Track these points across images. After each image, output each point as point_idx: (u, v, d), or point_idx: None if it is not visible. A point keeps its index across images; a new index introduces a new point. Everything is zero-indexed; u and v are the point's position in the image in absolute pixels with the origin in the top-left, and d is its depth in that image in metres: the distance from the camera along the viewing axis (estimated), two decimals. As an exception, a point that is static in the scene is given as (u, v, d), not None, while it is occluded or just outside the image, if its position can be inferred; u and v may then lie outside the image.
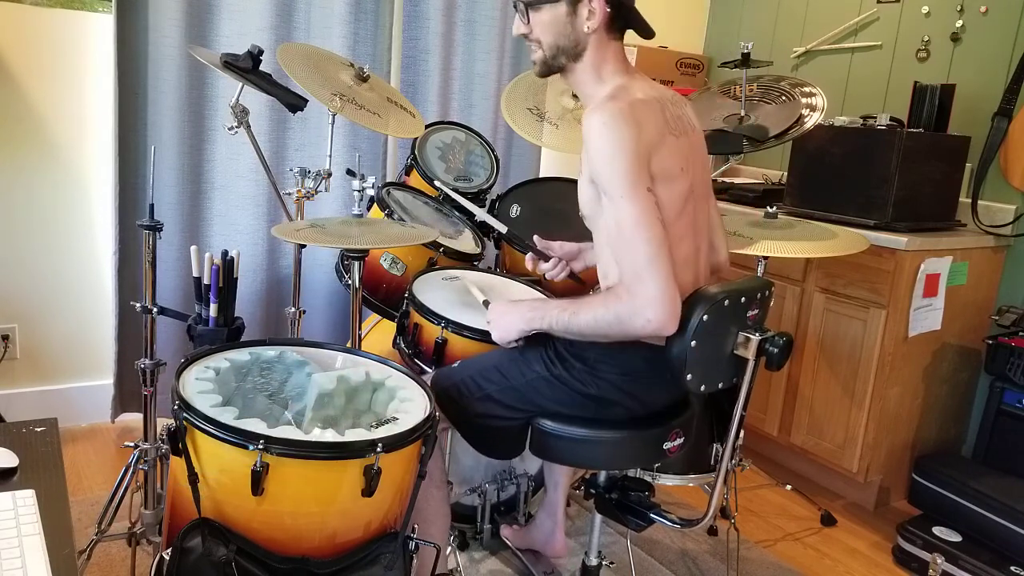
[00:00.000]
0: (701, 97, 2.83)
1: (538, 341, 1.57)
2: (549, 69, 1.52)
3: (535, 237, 1.80)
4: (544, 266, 1.78)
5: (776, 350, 1.42)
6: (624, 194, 1.34)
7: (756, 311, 1.49)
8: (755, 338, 1.44)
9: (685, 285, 1.42)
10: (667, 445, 1.57)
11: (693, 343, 1.37)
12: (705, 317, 1.36)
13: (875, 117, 2.58)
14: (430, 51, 2.90)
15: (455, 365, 1.65)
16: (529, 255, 1.80)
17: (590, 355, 1.49)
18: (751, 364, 1.46)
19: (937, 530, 2.27)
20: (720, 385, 1.48)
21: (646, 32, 1.53)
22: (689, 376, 1.40)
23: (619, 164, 1.34)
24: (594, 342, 1.47)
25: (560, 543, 2.05)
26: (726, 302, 1.40)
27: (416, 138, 2.48)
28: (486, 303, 1.78)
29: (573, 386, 1.51)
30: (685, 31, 3.67)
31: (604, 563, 1.84)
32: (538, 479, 2.23)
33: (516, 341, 1.55)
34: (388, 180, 2.88)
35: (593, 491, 1.71)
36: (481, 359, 1.63)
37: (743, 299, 1.44)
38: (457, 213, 2.42)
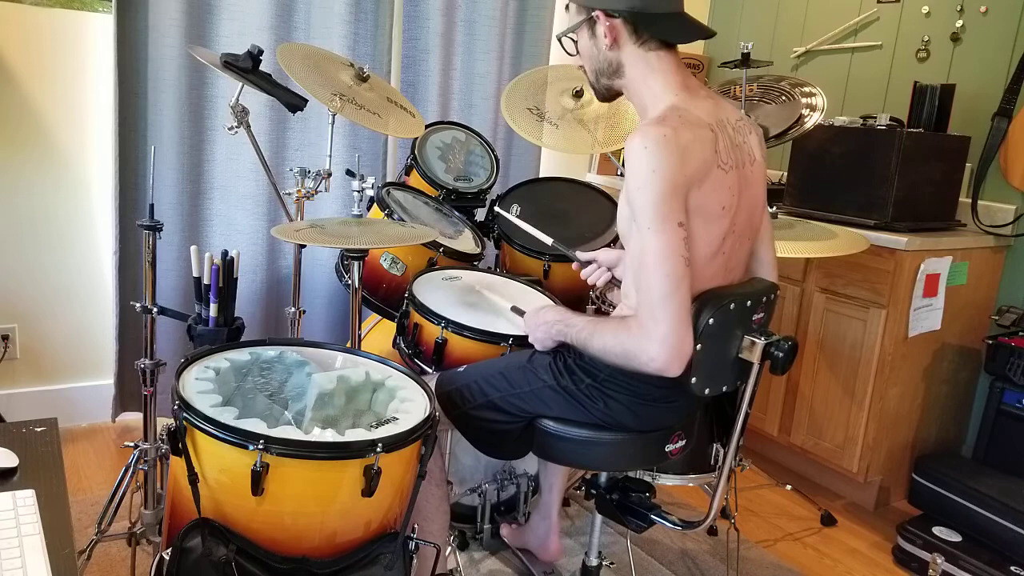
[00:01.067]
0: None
1: (547, 350, 1.57)
2: (598, 93, 1.53)
3: (577, 252, 1.84)
4: (585, 271, 1.79)
5: (781, 354, 1.42)
6: (652, 225, 1.28)
7: (761, 315, 1.48)
8: (760, 342, 1.43)
9: None
10: (669, 447, 1.57)
11: (698, 346, 1.36)
12: (711, 320, 1.36)
13: (875, 117, 2.58)
14: (430, 51, 2.90)
15: (460, 369, 1.65)
16: (575, 264, 1.83)
17: (600, 373, 1.48)
18: (756, 368, 1.46)
19: (937, 530, 2.27)
20: (724, 388, 1.48)
21: (688, 37, 1.46)
22: (694, 379, 1.39)
23: (652, 193, 1.28)
24: (605, 363, 1.46)
25: (555, 547, 2.04)
26: (732, 305, 1.39)
27: (416, 138, 2.48)
28: (515, 309, 1.80)
29: (580, 399, 1.50)
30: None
31: (604, 563, 1.84)
32: (538, 479, 2.23)
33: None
34: (388, 180, 2.88)
35: (594, 491, 1.71)
36: (487, 364, 1.62)
37: (749, 303, 1.43)
38: (457, 213, 2.42)
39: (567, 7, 1.50)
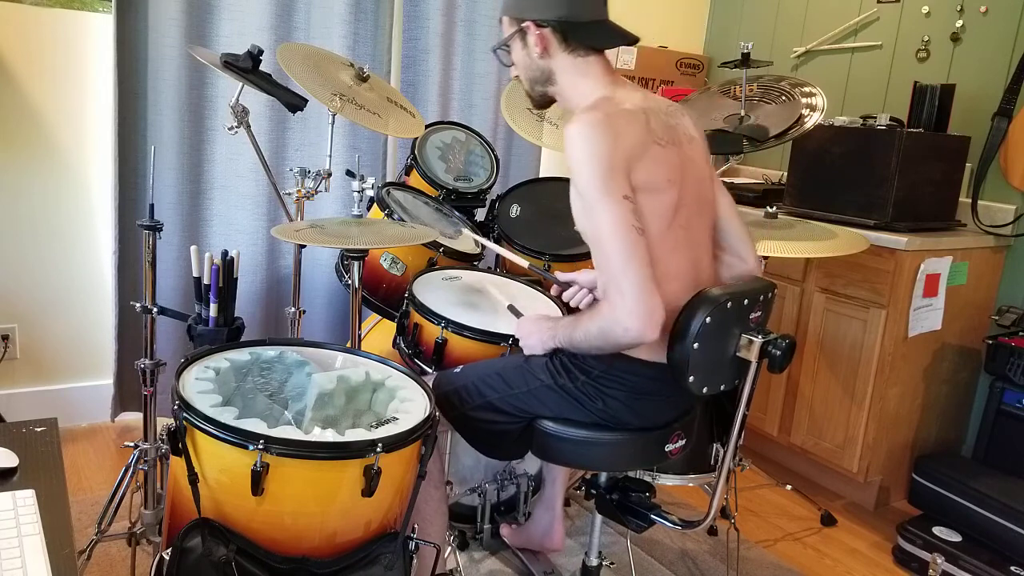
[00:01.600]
0: (701, 97, 2.83)
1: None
2: (533, 100, 1.60)
3: (556, 273, 1.87)
4: (567, 294, 1.82)
5: (779, 352, 1.42)
6: (598, 202, 1.34)
7: (759, 313, 1.49)
8: (758, 340, 1.43)
9: (680, 297, 1.42)
10: (669, 447, 1.57)
11: (696, 345, 1.36)
12: (708, 319, 1.36)
13: (875, 117, 2.58)
14: (430, 51, 2.90)
15: (457, 370, 1.65)
16: (554, 286, 1.86)
17: (595, 370, 1.49)
18: (753, 366, 1.46)
19: (937, 530, 2.27)
20: (722, 387, 1.48)
21: (615, 43, 1.53)
22: (691, 378, 1.40)
23: (593, 171, 1.34)
24: (599, 357, 1.47)
25: (558, 536, 2.05)
26: (729, 304, 1.40)
27: (416, 138, 2.48)
28: (512, 308, 1.80)
29: (577, 397, 1.51)
30: (685, 31, 3.67)
31: (604, 563, 1.84)
32: (538, 479, 2.23)
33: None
34: (388, 180, 2.88)
35: (594, 492, 1.71)
36: (484, 365, 1.63)
37: (746, 301, 1.44)
38: (457, 213, 2.42)
39: (500, 20, 1.55)
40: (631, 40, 1.52)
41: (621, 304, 1.32)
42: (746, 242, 1.63)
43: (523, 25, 1.48)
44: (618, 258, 1.32)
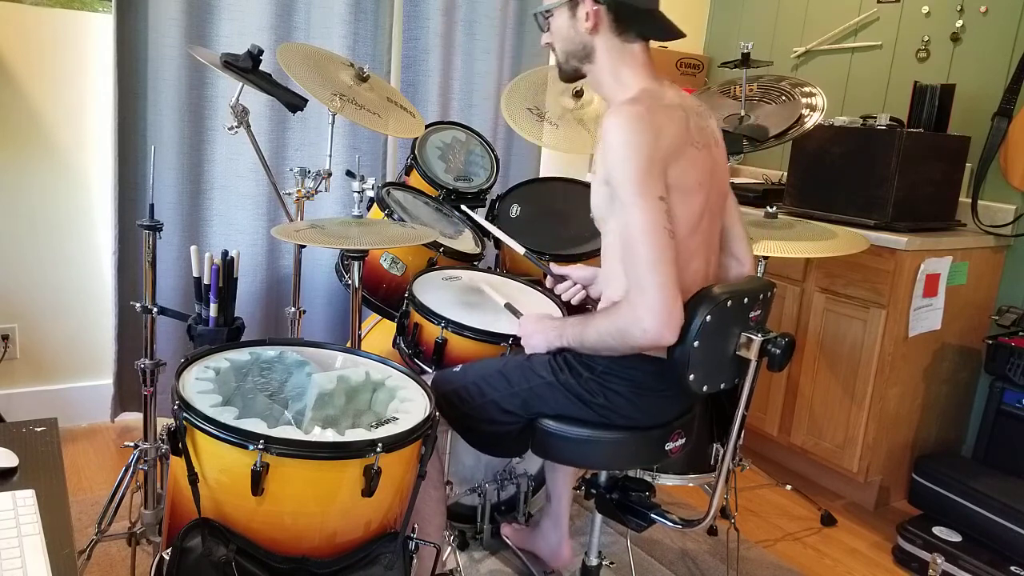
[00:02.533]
0: (701, 97, 2.83)
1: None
2: (564, 73, 1.56)
3: (551, 264, 1.86)
4: (559, 288, 1.82)
5: (778, 351, 1.42)
6: (634, 200, 1.32)
7: (758, 312, 1.49)
8: (757, 339, 1.43)
9: None
10: (669, 446, 1.57)
11: (696, 343, 1.37)
12: (708, 318, 1.36)
13: (875, 117, 2.58)
14: (430, 51, 2.90)
15: (456, 369, 1.65)
16: (548, 277, 1.85)
17: (598, 366, 1.49)
18: (753, 365, 1.46)
19: (937, 530, 2.27)
20: (722, 386, 1.48)
21: (663, 35, 1.50)
22: (691, 376, 1.40)
23: (632, 168, 1.32)
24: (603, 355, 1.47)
25: (567, 554, 2.03)
26: (729, 303, 1.40)
27: (416, 138, 2.48)
28: (509, 307, 1.79)
29: (579, 394, 1.50)
30: (685, 31, 3.65)
31: (604, 563, 1.84)
32: (538, 479, 2.23)
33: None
34: (388, 180, 2.88)
35: (594, 491, 1.71)
36: (484, 364, 1.62)
37: (746, 300, 1.44)
38: (457, 213, 2.42)
39: None
40: (677, 35, 1.51)
41: (643, 304, 1.32)
42: (745, 244, 1.63)
43: None
44: (647, 259, 1.31)
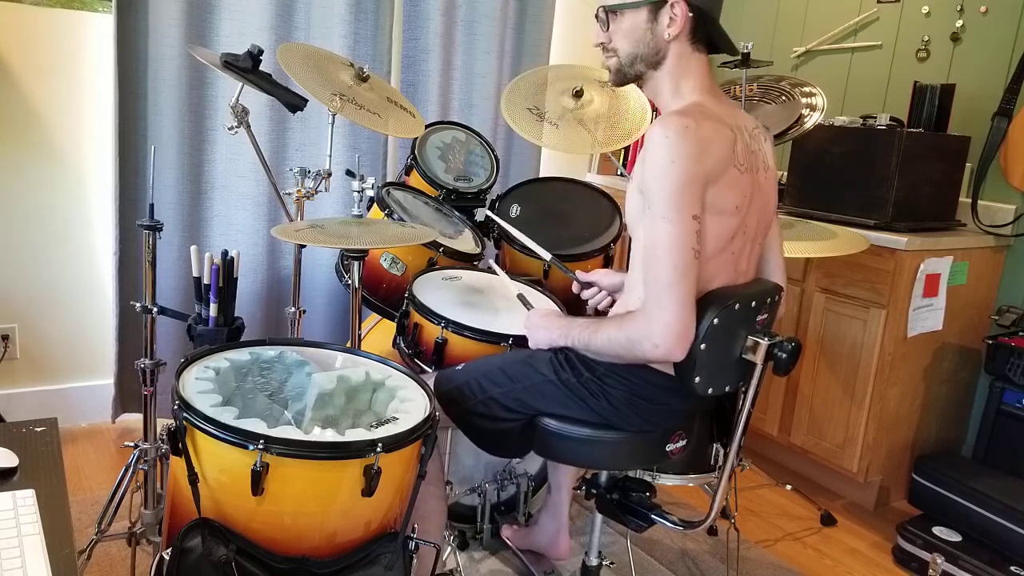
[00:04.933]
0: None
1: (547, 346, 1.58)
2: (624, 77, 1.48)
3: (577, 272, 1.85)
4: (586, 293, 1.81)
5: (785, 355, 1.41)
6: (667, 214, 1.29)
7: (765, 315, 1.48)
8: (764, 343, 1.43)
9: None
10: (670, 447, 1.57)
11: (703, 346, 1.36)
12: (715, 320, 1.36)
13: (875, 117, 2.58)
14: (430, 51, 2.90)
15: (459, 367, 1.65)
16: (575, 283, 1.84)
17: (599, 368, 1.48)
18: (759, 368, 1.46)
19: (937, 530, 2.27)
20: (727, 388, 1.47)
21: (730, 48, 1.46)
22: (697, 378, 1.39)
23: (670, 182, 1.29)
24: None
25: (565, 545, 2.04)
26: (736, 306, 1.39)
27: (416, 138, 2.48)
28: (522, 298, 1.78)
29: (580, 393, 1.50)
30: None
31: (604, 563, 1.84)
32: (538, 479, 2.23)
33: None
34: (388, 180, 2.88)
35: (594, 491, 1.71)
36: (486, 361, 1.62)
37: (753, 303, 1.43)
38: (457, 213, 2.42)
39: None
40: (735, 52, 1.49)
41: (659, 320, 1.31)
42: (782, 270, 1.60)
43: None
44: (669, 276, 1.30)
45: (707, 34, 1.42)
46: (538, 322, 1.59)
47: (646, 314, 1.33)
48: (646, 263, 1.34)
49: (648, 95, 1.51)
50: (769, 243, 1.57)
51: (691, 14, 1.39)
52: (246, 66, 1.90)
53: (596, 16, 1.48)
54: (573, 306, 1.98)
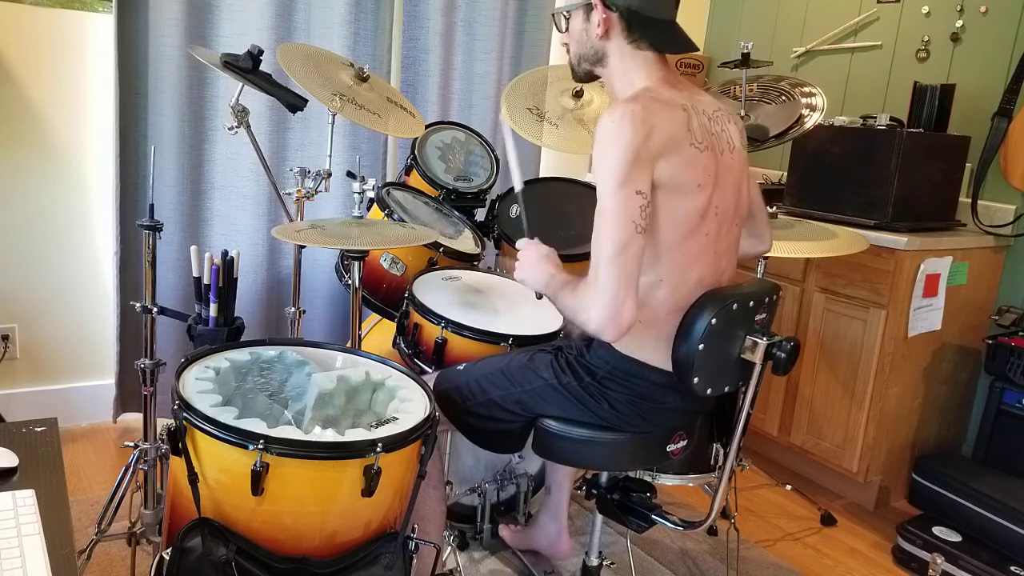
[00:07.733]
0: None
1: (548, 349, 1.58)
2: (575, 74, 1.56)
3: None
4: None
5: (783, 355, 1.41)
6: (609, 190, 1.32)
7: (764, 315, 1.48)
8: (762, 342, 1.43)
9: None
10: (670, 447, 1.57)
11: (701, 346, 1.36)
12: (713, 320, 1.36)
13: (875, 117, 2.58)
14: (430, 51, 2.90)
15: (459, 368, 1.65)
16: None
17: (600, 371, 1.48)
18: (758, 368, 1.46)
19: (937, 530, 2.27)
20: (726, 389, 1.47)
21: (677, 48, 1.48)
22: (696, 379, 1.39)
23: (612, 159, 1.32)
24: (606, 360, 1.47)
25: (566, 545, 2.04)
26: (734, 305, 1.39)
27: (416, 138, 2.48)
28: (525, 219, 1.66)
29: (580, 397, 1.50)
30: (685, 31, 3.66)
31: (604, 563, 1.84)
32: (538, 479, 2.23)
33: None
34: (388, 180, 2.88)
35: (595, 491, 1.71)
36: (486, 362, 1.62)
37: (751, 303, 1.43)
38: (457, 213, 2.42)
39: None
40: (691, 48, 1.50)
41: (593, 292, 1.32)
42: (766, 223, 1.66)
43: (591, 1, 1.45)
44: (607, 250, 1.31)
45: (646, 33, 1.45)
46: (532, 259, 1.52)
47: (588, 286, 1.34)
48: (592, 239, 1.35)
49: (608, 91, 1.55)
50: (755, 217, 1.64)
51: (616, 14, 1.44)
52: (246, 66, 1.90)
53: (553, 18, 1.57)
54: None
